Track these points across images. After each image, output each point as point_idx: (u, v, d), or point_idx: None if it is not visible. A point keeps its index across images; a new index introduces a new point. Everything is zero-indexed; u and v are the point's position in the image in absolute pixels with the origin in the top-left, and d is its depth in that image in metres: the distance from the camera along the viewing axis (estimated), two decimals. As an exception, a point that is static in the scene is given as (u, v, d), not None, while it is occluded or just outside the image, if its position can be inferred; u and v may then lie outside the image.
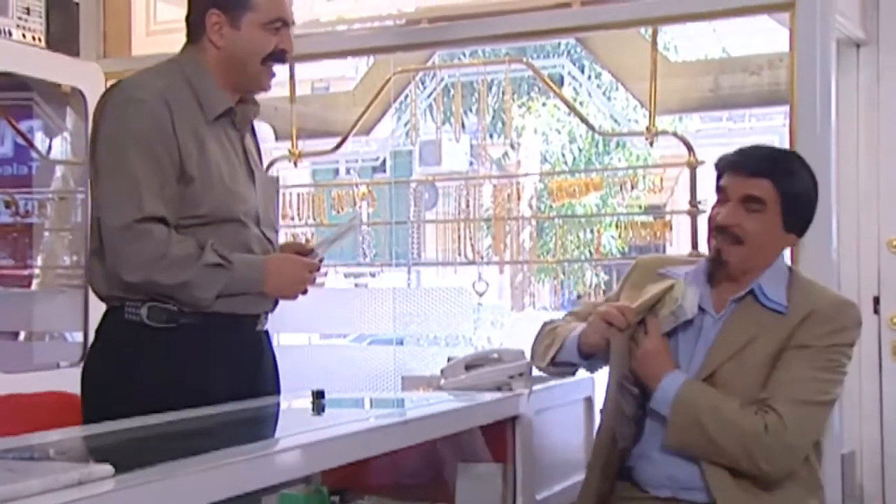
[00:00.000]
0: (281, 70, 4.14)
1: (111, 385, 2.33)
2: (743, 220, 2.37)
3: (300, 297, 2.50)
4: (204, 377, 2.34)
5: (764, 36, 3.94)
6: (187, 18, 2.46)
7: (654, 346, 2.39)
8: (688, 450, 2.35)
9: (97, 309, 2.48)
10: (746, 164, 2.39)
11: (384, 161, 4.84)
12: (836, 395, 2.39)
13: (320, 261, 2.55)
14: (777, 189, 2.36)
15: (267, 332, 2.57)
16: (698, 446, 2.32)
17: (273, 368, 2.59)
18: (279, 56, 2.45)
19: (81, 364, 2.47)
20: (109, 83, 2.80)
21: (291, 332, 4.42)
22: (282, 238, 4.17)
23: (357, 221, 2.47)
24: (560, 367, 2.56)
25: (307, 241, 4.09)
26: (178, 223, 2.31)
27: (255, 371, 2.50)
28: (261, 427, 2.38)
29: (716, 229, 2.41)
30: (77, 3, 3.86)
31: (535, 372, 2.78)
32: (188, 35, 2.46)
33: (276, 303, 2.52)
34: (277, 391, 2.59)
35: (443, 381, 2.79)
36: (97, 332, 2.44)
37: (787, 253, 2.60)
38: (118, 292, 2.33)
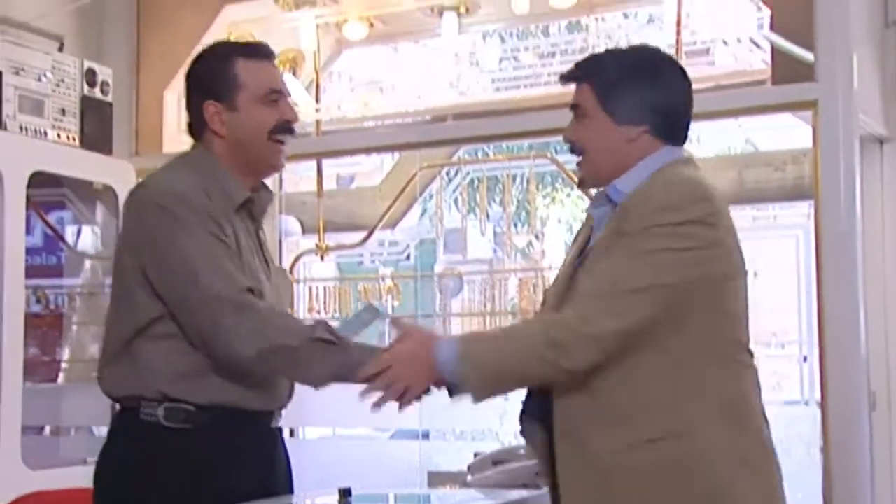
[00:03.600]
0: (308, 166, 4.24)
1: (126, 486, 2.28)
2: (574, 130, 2.17)
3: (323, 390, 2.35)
4: (219, 478, 2.29)
5: (789, 130, 3.97)
6: (189, 124, 2.43)
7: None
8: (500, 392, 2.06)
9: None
10: (567, 75, 2.21)
11: (409, 252, 4.87)
12: (659, 282, 1.96)
13: None
14: (592, 88, 2.15)
15: (280, 430, 2.50)
16: (506, 383, 2.07)
17: (286, 467, 2.50)
18: (284, 127, 2.39)
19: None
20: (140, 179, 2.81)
21: (317, 426, 4.40)
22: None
23: (382, 306, 2.43)
24: None
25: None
26: None
27: (269, 470, 2.43)
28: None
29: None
30: (111, 104, 3.93)
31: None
32: (193, 137, 2.43)
33: (289, 397, 2.45)
34: (290, 490, 2.50)
35: (469, 478, 2.77)
36: (110, 432, 2.38)
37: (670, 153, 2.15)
38: (136, 391, 2.27)
